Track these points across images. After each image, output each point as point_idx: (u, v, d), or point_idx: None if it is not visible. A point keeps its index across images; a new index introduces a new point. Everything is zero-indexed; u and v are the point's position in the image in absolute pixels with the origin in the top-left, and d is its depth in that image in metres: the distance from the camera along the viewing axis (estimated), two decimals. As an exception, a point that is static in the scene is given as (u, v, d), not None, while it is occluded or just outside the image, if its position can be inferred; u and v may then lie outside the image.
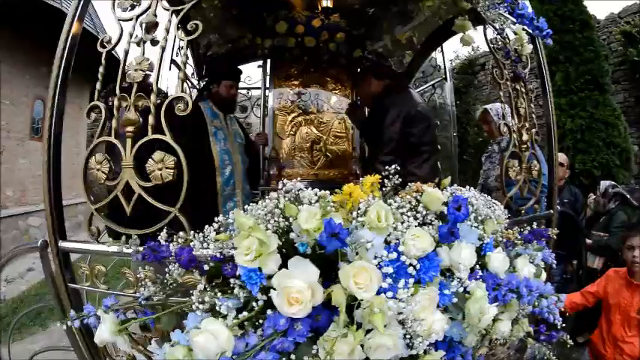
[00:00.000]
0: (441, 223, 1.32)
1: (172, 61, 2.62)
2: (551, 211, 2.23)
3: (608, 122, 4.91)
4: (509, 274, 1.44)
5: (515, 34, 1.95)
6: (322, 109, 3.13)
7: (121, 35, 1.53)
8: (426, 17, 2.65)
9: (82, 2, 1.62)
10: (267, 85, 3.08)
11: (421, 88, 3.29)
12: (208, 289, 1.19)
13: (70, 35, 1.57)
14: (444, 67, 3.04)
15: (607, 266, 3.17)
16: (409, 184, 1.46)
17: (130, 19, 1.53)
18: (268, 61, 3.09)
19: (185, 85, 2.91)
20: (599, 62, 5.10)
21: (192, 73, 3.02)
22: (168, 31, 1.49)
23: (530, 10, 1.92)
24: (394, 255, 1.10)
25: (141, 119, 1.48)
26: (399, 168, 2.20)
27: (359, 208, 1.22)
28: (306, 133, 3.08)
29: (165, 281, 1.30)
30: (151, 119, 1.43)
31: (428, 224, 1.31)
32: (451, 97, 3.13)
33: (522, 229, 1.74)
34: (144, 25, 1.51)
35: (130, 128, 1.46)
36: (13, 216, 6.16)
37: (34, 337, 3.49)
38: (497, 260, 1.39)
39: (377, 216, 1.17)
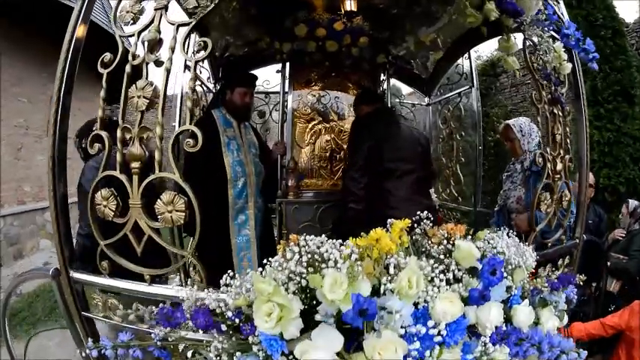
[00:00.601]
0: (471, 279, 1.28)
1: (186, 66, 2.51)
2: (577, 241, 2.13)
3: (637, 137, 4.68)
4: (533, 328, 1.41)
5: (555, 51, 1.81)
6: (343, 117, 3.01)
7: (123, 54, 1.44)
8: (450, 19, 2.50)
9: (85, 5, 1.53)
10: (286, 91, 2.95)
11: (446, 95, 3.14)
12: (225, 341, 1.16)
13: (74, 39, 1.49)
14: (471, 74, 2.88)
15: (623, 290, 3.12)
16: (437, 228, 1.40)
17: (132, 36, 1.42)
18: (287, 65, 2.95)
19: (200, 89, 2.87)
20: (630, 72, 4.81)
21: (208, 77, 2.91)
22: (173, 50, 1.39)
23: (577, 30, 1.77)
24: (423, 329, 1.05)
25: (147, 153, 1.41)
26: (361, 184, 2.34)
27: (388, 269, 1.16)
28: (326, 141, 2.97)
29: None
30: (157, 155, 1.37)
31: (458, 281, 1.27)
32: (478, 106, 2.98)
33: (549, 274, 1.67)
34: (146, 44, 1.39)
35: (135, 164, 1.38)
36: (31, 211, 6.26)
37: (49, 332, 3.54)
38: (523, 314, 1.35)
39: (408, 283, 1.11)
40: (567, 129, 1.96)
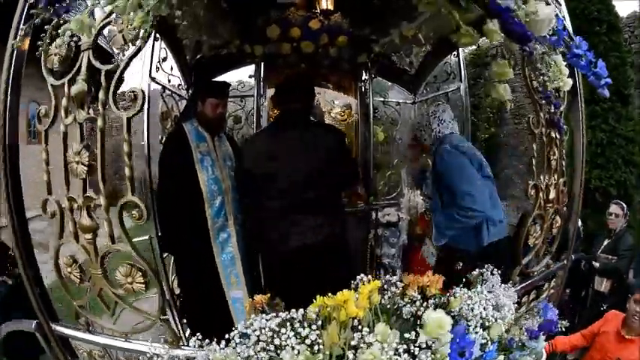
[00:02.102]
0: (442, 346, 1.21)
1: (152, 79, 2.32)
2: (565, 262, 2.04)
3: (630, 138, 4.56)
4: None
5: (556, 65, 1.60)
6: (322, 121, 2.81)
7: (55, 111, 1.28)
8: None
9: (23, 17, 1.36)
10: (261, 94, 2.74)
11: (432, 94, 2.95)
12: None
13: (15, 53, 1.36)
14: (459, 71, 2.68)
15: (614, 288, 3.17)
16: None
17: (62, 86, 1.26)
18: (262, 67, 2.74)
19: (171, 98, 2.68)
20: (625, 70, 4.62)
21: (179, 85, 2.71)
22: (104, 104, 1.22)
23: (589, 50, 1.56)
24: None
25: (97, 223, 1.29)
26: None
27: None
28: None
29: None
30: (106, 226, 1.25)
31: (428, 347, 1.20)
32: (466, 102, 2.80)
33: (530, 316, 1.60)
34: (73, 97, 1.23)
35: (87, 236, 1.27)
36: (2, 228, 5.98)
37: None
38: (496, 369, 1.30)
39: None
40: (563, 151, 1.82)
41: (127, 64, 1.17)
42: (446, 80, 2.80)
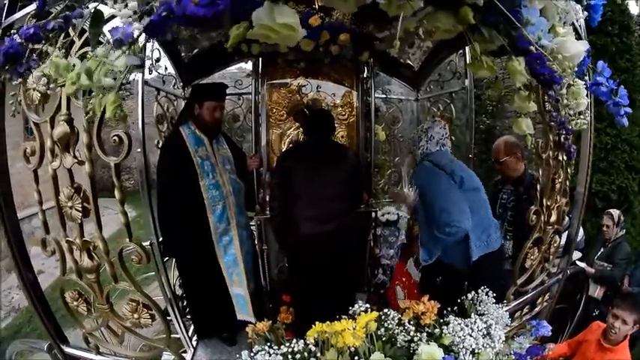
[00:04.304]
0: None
1: (145, 82, 2.23)
2: (560, 277, 2.05)
3: (634, 144, 4.42)
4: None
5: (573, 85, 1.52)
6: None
7: (41, 151, 1.24)
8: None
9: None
10: (259, 93, 2.66)
11: (435, 93, 2.86)
12: None
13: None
14: (467, 72, 2.58)
15: (607, 296, 3.18)
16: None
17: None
18: (259, 66, 2.64)
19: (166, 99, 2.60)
20: (634, 74, 4.41)
21: (174, 84, 2.62)
22: (90, 147, 1.17)
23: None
24: None
25: (99, 262, 1.29)
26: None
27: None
28: (306, 147, 2.74)
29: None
30: (108, 268, 1.25)
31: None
32: (470, 105, 2.71)
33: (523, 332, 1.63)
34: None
35: (90, 276, 1.28)
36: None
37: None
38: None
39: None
40: (569, 169, 1.77)
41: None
42: (449, 80, 2.71)
